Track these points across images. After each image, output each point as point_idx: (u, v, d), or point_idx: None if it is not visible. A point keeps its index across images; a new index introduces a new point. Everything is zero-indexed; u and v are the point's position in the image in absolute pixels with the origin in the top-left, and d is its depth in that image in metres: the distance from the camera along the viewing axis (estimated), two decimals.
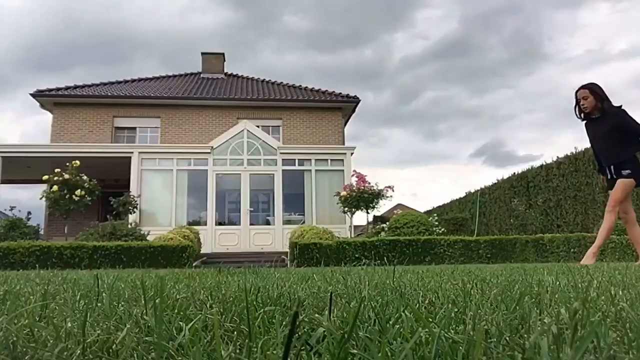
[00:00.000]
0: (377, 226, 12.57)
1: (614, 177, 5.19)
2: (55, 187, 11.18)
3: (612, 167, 5.21)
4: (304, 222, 13.97)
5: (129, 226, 11.26)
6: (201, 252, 11.98)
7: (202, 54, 21.88)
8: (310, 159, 14.86)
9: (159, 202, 14.15)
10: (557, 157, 14.96)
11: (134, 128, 17.87)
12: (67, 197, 11.20)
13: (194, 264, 9.72)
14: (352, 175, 13.02)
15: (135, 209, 12.74)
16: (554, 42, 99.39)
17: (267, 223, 14.68)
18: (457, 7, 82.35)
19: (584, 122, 5.38)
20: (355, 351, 0.62)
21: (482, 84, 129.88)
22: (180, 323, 0.83)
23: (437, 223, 12.68)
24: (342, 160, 14.88)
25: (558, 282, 1.85)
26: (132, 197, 12.79)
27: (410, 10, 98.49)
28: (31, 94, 17.00)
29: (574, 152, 14.14)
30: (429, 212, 20.80)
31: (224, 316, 0.95)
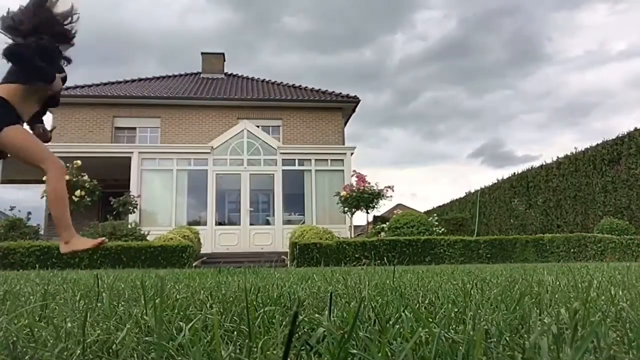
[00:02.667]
0: (377, 226, 12.57)
1: None
2: None
3: None
4: (304, 222, 13.97)
5: (129, 226, 11.25)
6: (201, 252, 11.98)
7: (202, 53, 21.87)
8: (310, 159, 14.86)
9: (159, 202, 14.15)
10: (557, 157, 14.98)
11: (134, 128, 17.86)
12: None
13: (194, 264, 9.72)
14: (352, 176, 13.03)
15: (135, 209, 12.74)
16: (553, 42, 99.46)
17: (267, 223, 14.68)
18: (455, 8, 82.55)
19: None
20: (355, 351, 0.62)
21: (482, 85, 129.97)
22: (180, 323, 0.83)
23: (437, 223, 12.68)
24: (342, 160, 14.88)
25: (558, 282, 1.85)
26: (132, 197, 12.78)
27: (409, 11, 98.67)
28: None
29: (574, 152, 14.14)
30: (429, 212, 20.80)
31: (224, 316, 0.95)
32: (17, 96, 3.17)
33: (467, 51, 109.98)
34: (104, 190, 12.64)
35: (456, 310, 0.99)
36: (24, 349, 0.69)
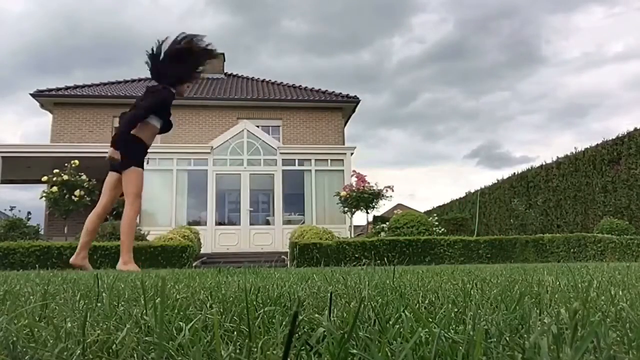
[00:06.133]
0: (377, 226, 12.57)
1: None
2: (54, 188, 11.18)
3: None
4: (304, 222, 13.97)
5: None
6: (201, 252, 11.98)
7: None
8: (310, 159, 14.86)
9: (159, 202, 14.14)
10: (557, 157, 14.98)
11: None
12: (66, 197, 11.19)
13: (194, 264, 9.72)
14: (352, 176, 13.03)
15: None
16: (551, 45, 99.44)
17: (267, 223, 14.68)
18: (452, 11, 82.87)
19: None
20: (355, 351, 0.62)
21: (479, 86, 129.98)
22: (180, 323, 0.83)
23: (437, 223, 12.68)
24: (342, 160, 14.88)
25: (558, 282, 1.85)
26: None
27: (407, 15, 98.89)
28: (31, 94, 17.01)
29: (574, 152, 14.14)
30: (429, 212, 20.80)
31: (224, 316, 0.95)
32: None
33: (464, 53, 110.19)
34: None
35: (456, 310, 1.00)
36: (24, 349, 0.69)
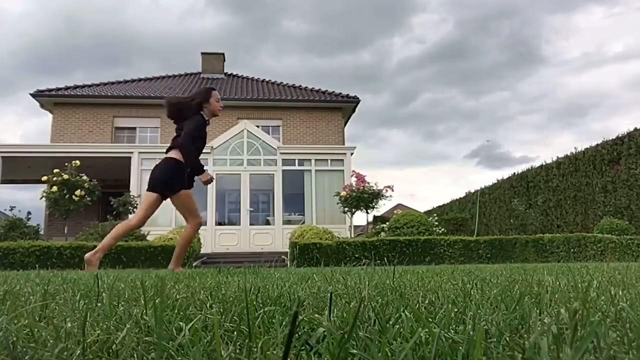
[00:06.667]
0: (377, 226, 12.57)
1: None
2: (55, 188, 11.17)
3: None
4: (303, 222, 13.97)
5: None
6: (201, 252, 11.98)
7: (202, 54, 21.87)
8: (310, 159, 14.86)
9: None
10: (557, 157, 14.98)
11: (134, 128, 17.86)
12: (66, 197, 11.19)
13: (194, 264, 9.72)
14: (352, 176, 13.02)
15: (135, 209, 12.73)
16: (551, 45, 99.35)
17: (267, 223, 14.67)
18: (452, 11, 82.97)
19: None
20: (355, 351, 0.62)
21: (479, 86, 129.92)
22: (180, 323, 0.83)
23: (437, 223, 12.68)
24: (342, 160, 14.88)
25: (558, 282, 1.85)
26: (132, 197, 12.78)
27: (407, 15, 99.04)
28: (31, 94, 17.01)
29: (574, 152, 14.14)
30: (429, 212, 20.80)
31: (224, 316, 0.95)
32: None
33: (464, 53, 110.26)
34: (104, 190, 12.64)
35: (456, 310, 1.00)
36: (24, 349, 0.69)
